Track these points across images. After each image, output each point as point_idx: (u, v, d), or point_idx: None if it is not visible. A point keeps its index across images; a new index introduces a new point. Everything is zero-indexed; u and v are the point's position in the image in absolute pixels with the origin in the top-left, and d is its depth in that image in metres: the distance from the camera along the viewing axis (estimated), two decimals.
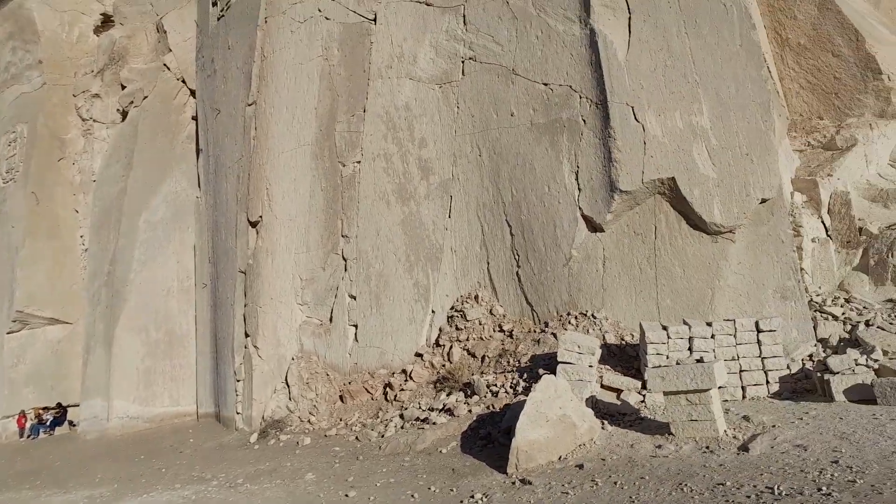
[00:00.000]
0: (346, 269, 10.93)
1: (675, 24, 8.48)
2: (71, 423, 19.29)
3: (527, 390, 7.59)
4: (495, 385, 8.03)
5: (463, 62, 10.33)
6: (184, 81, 18.68)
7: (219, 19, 14.46)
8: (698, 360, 6.29)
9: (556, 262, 8.74)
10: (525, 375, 7.85)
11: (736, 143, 8.18)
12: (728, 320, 7.24)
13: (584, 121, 8.68)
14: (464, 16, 10.42)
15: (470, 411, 7.74)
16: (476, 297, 9.53)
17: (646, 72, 8.37)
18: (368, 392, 10.06)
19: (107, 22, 24.37)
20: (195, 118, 18.52)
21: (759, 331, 7.14)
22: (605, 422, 6.61)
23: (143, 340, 16.84)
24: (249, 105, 12.60)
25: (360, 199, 10.93)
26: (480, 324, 9.30)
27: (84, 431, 16.85)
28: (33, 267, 21.57)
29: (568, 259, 8.61)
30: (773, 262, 8.12)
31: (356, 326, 10.63)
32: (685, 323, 7.32)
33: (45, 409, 19.47)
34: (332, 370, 10.76)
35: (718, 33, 8.50)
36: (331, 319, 10.96)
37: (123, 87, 19.86)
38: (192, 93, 18.61)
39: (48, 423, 18.87)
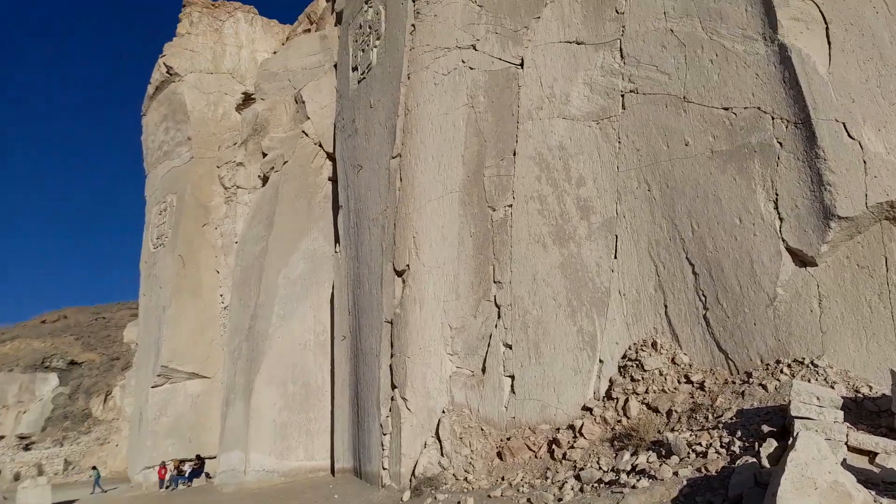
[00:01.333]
0: (499, 317, 9.96)
1: (887, 30, 7.23)
2: (208, 476, 19.04)
3: (746, 451, 6.17)
4: (699, 444, 6.64)
5: (622, 96, 9.43)
6: (321, 146, 19.00)
7: (359, 82, 14.48)
8: None
9: (755, 302, 7.38)
10: (739, 433, 6.43)
11: None
12: None
13: (781, 143, 7.46)
14: (620, 49, 9.60)
15: (675, 474, 6.38)
16: (654, 345, 8.24)
17: (855, 84, 7.12)
18: (531, 449, 8.84)
19: (247, 100, 25.70)
20: (332, 179, 18.67)
21: None
22: (873, 492, 5.12)
23: (281, 393, 16.46)
24: (394, 158, 12.23)
25: (514, 243, 10.06)
26: (661, 374, 7.97)
27: (221, 483, 16.43)
28: (178, 324, 22.13)
29: (772, 299, 7.23)
30: None
31: (512, 377, 9.54)
32: None
33: (184, 461, 19.38)
34: (486, 424, 9.66)
35: None
36: (483, 370, 9.95)
37: (265, 155, 20.51)
38: (329, 156, 18.88)
39: (187, 475, 18.70)
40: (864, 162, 6.80)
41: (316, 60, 20.84)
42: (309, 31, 24.82)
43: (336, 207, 17.67)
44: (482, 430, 9.61)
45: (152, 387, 21.27)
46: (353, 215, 14.22)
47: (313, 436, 15.88)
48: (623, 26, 9.61)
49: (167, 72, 24.75)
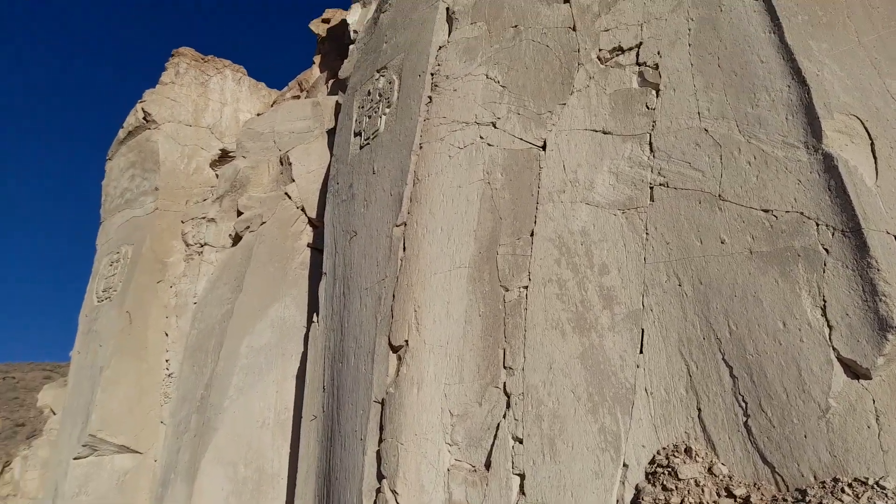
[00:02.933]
0: (508, 406, 9.34)
1: None
2: None
3: None
4: None
5: (651, 188, 9.45)
6: (303, 210, 18.51)
7: (361, 148, 14.31)
8: None
9: (805, 412, 7.08)
10: None
11: None
12: None
13: (827, 250, 7.47)
14: (650, 143, 9.72)
15: None
16: (687, 451, 7.78)
17: None
18: None
19: (224, 157, 25.17)
20: (311, 246, 18.07)
21: None
22: None
23: (230, 477, 14.95)
24: (398, 226, 11.86)
25: (528, 328, 9.62)
26: (698, 485, 7.46)
27: None
28: (114, 389, 20.25)
29: (824, 410, 6.96)
30: None
31: (522, 476, 8.81)
32: None
33: None
34: None
35: None
36: (488, 465, 9.19)
37: (240, 214, 19.83)
38: (311, 221, 18.37)
39: None
40: None
41: (305, 126, 20.74)
42: (298, 97, 24.96)
43: (315, 275, 16.99)
44: None
45: (74, 458, 19.10)
46: (339, 283, 13.59)
47: None
48: (654, 121, 9.78)
49: (144, 118, 24.17)
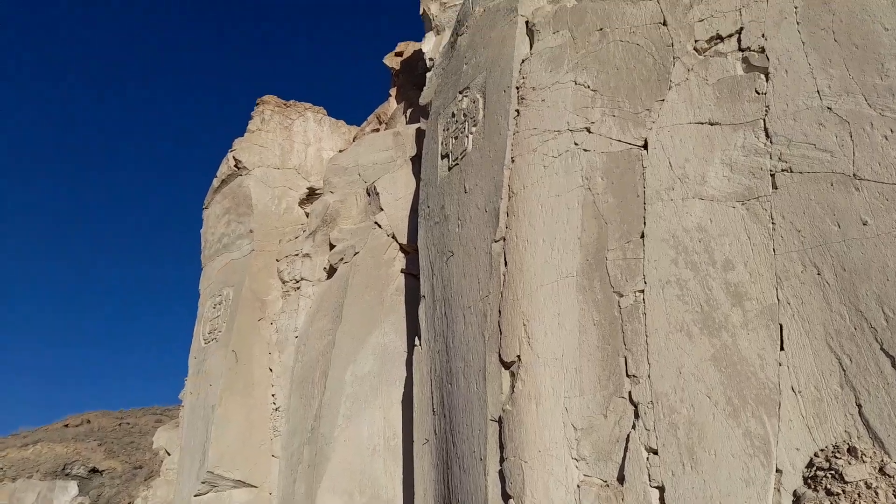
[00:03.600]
0: (637, 416, 8.85)
1: None
2: None
3: None
4: None
5: (772, 175, 8.86)
6: (394, 237, 18.72)
7: (450, 169, 14.32)
8: None
9: None
10: None
11: None
12: None
13: None
14: (765, 129, 9.15)
15: None
16: (851, 451, 7.06)
17: None
18: None
19: (311, 195, 26.03)
20: (405, 271, 18.20)
21: None
22: None
23: None
24: (496, 241, 11.70)
25: (650, 333, 9.15)
26: (869, 487, 6.74)
27: None
28: (226, 425, 20.91)
29: None
30: None
31: (661, 489, 8.27)
32: None
33: None
34: None
35: None
36: (621, 479, 8.70)
37: (332, 247, 20.29)
38: (402, 248, 18.54)
39: None
40: None
41: (388, 156, 21.09)
42: (378, 130, 25.51)
43: (411, 300, 17.04)
44: None
45: (195, 495, 19.79)
46: (439, 305, 13.52)
47: None
48: (766, 106, 9.22)
49: (235, 165, 25.39)
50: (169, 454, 38.64)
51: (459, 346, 12.07)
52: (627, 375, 9.17)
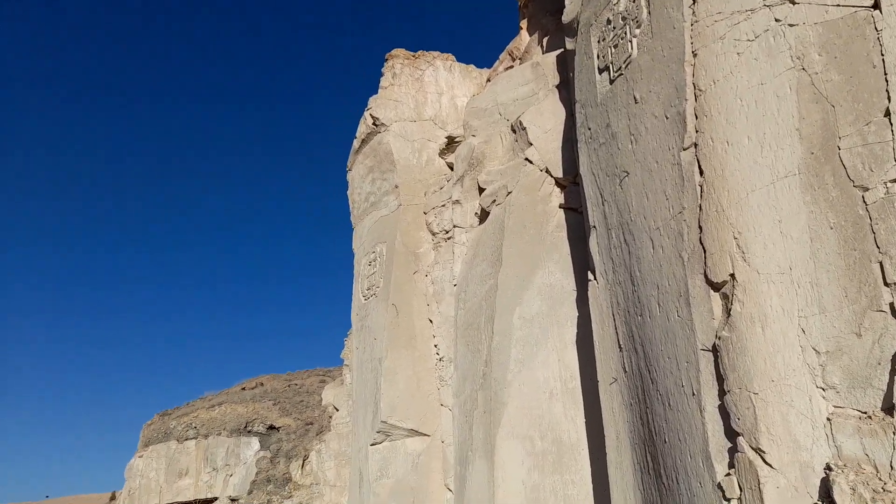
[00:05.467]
0: None
1: None
2: None
3: None
4: None
5: None
6: (547, 171, 17.53)
7: (612, 82, 12.78)
8: None
9: None
10: None
11: None
12: None
13: None
14: None
15: None
16: None
17: None
18: None
19: (450, 144, 25.34)
20: (563, 206, 17.02)
21: None
22: None
23: (528, 451, 14.42)
24: (685, 149, 10.14)
25: None
26: None
27: None
28: (394, 377, 21.21)
29: None
30: None
31: None
32: None
33: None
34: None
35: None
36: (889, 409, 7.14)
37: (482, 191, 19.53)
38: (557, 182, 17.34)
39: None
40: None
41: (528, 90, 19.72)
42: (511, 67, 24.10)
43: (574, 235, 15.84)
44: None
45: (371, 444, 20.34)
46: (616, 233, 12.21)
47: (573, 502, 13.50)
48: None
49: (373, 123, 25.28)
50: (337, 410, 40.82)
51: (649, 274, 10.75)
52: (886, 284, 7.44)
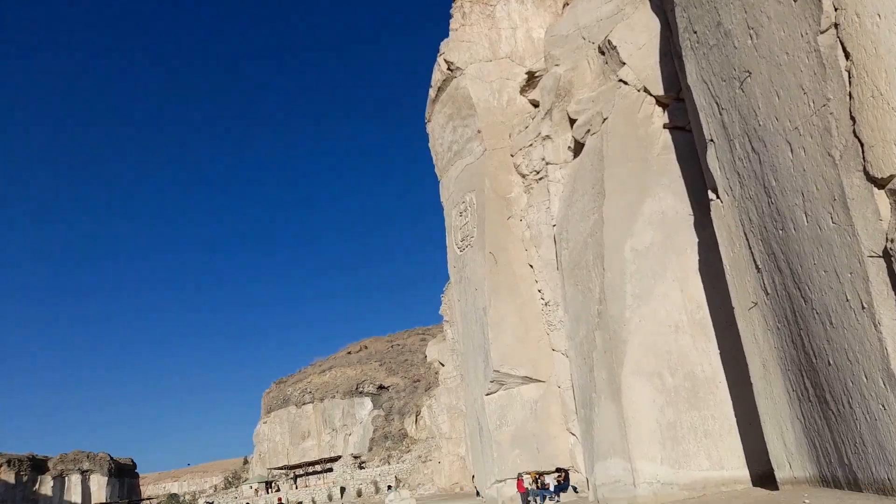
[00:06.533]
0: None
1: None
2: (575, 489, 17.08)
3: None
4: None
5: None
6: (646, 90, 16.20)
7: None
8: None
9: None
10: None
11: None
12: None
13: None
14: None
15: None
16: None
17: None
18: None
19: (531, 79, 24.17)
20: (668, 126, 15.72)
21: None
22: None
23: (658, 388, 13.67)
24: (823, 33, 8.75)
25: None
26: None
27: (604, 498, 14.10)
28: (501, 326, 20.83)
29: None
30: None
31: None
32: None
33: (542, 473, 17.71)
34: None
35: None
36: None
37: (573, 122, 18.42)
38: (658, 100, 15.99)
39: (552, 489, 16.91)
40: None
41: (613, 7, 18.19)
42: None
43: (685, 154, 14.58)
44: None
45: (486, 394, 20.19)
46: (739, 143, 10.96)
47: (715, 438, 12.70)
48: None
49: (448, 68, 24.38)
50: (442, 365, 41.32)
51: (789, 181, 9.55)
52: None
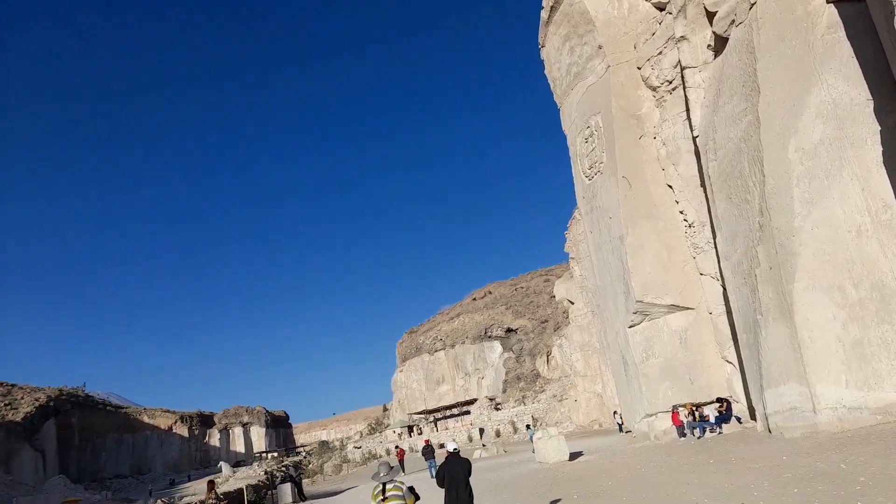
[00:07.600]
0: None
1: None
2: (738, 420, 15.87)
3: None
4: None
5: None
6: None
7: None
8: None
9: None
10: None
11: None
12: None
13: None
14: None
15: None
16: None
17: None
18: None
19: None
20: (831, 0, 13.49)
21: None
22: None
23: (838, 302, 12.04)
24: None
25: None
26: None
27: (779, 427, 12.81)
28: (640, 253, 19.52)
29: None
30: None
31: None
32: None
33: (698, 405, 16.62)
34: None
35: None
36: None
37: (711, 16, 16.39)
38: None
39: (713, 420, 15.82)
40: None
41: None
42: None
43: (857, 30, 12.39)
44: None
45: (629, 327, 19.14)
46: None
47: None
48: None
49: None
50: (572, 303, 40.27)
51: None
52: None
